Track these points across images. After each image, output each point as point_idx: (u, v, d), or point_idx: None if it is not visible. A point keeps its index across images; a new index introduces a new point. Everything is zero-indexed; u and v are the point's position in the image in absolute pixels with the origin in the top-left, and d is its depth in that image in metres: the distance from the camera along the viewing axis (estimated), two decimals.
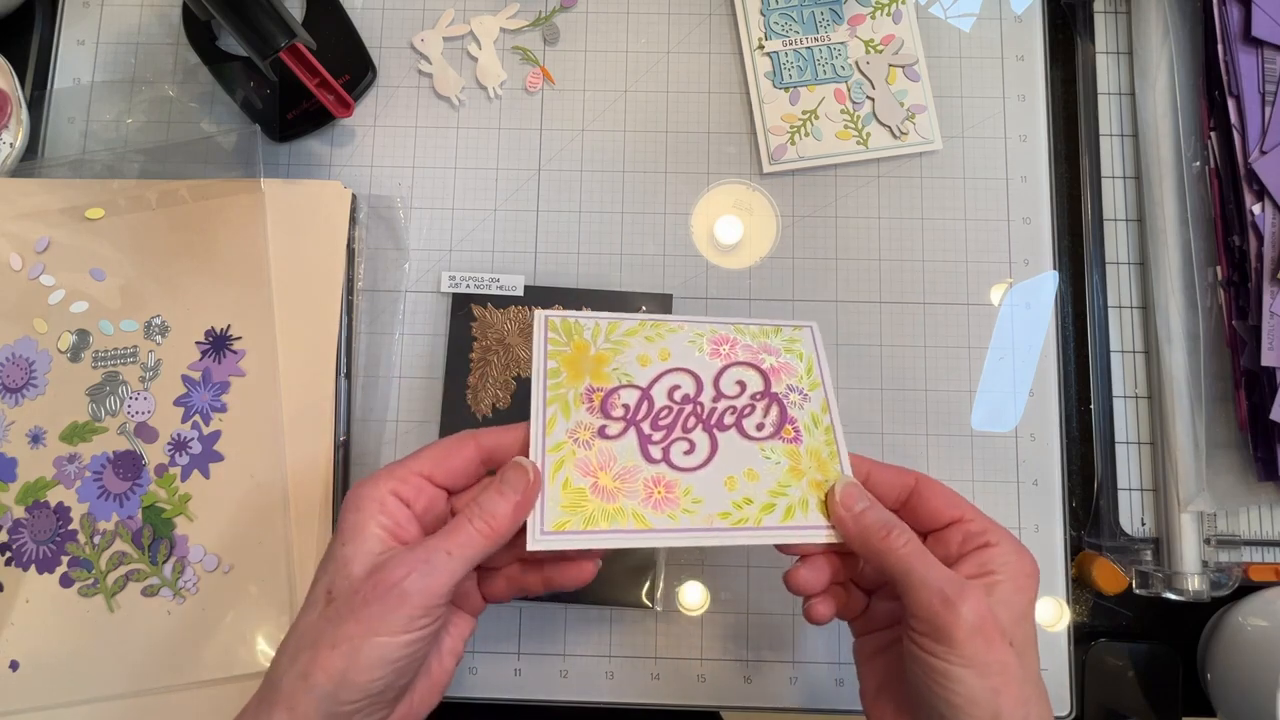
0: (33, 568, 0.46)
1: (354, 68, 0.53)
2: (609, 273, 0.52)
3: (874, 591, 0.40)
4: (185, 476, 0.47)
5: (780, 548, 0.38)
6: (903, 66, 0.54)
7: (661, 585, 0.49)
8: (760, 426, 0.40)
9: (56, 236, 0.50)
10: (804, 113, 0.53)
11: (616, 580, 0.48)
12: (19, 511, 0.47)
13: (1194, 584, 0.47)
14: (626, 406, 0.39)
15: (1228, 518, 0.50)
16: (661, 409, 0.39)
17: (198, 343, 0.49)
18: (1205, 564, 0.48)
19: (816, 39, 0.54)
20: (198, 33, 0.53)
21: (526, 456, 0.37)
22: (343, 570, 0.34)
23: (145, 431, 0.48)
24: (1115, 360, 0.52)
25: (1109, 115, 0.54)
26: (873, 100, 0.53)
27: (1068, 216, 0.53)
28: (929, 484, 0.38)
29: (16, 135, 0.50)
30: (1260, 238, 0.48)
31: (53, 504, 0.47)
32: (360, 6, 0.55)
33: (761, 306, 0.52)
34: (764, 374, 0.41)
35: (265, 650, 0.46)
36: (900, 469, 0.39)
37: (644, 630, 0.49)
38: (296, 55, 0.47)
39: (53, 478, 0.47)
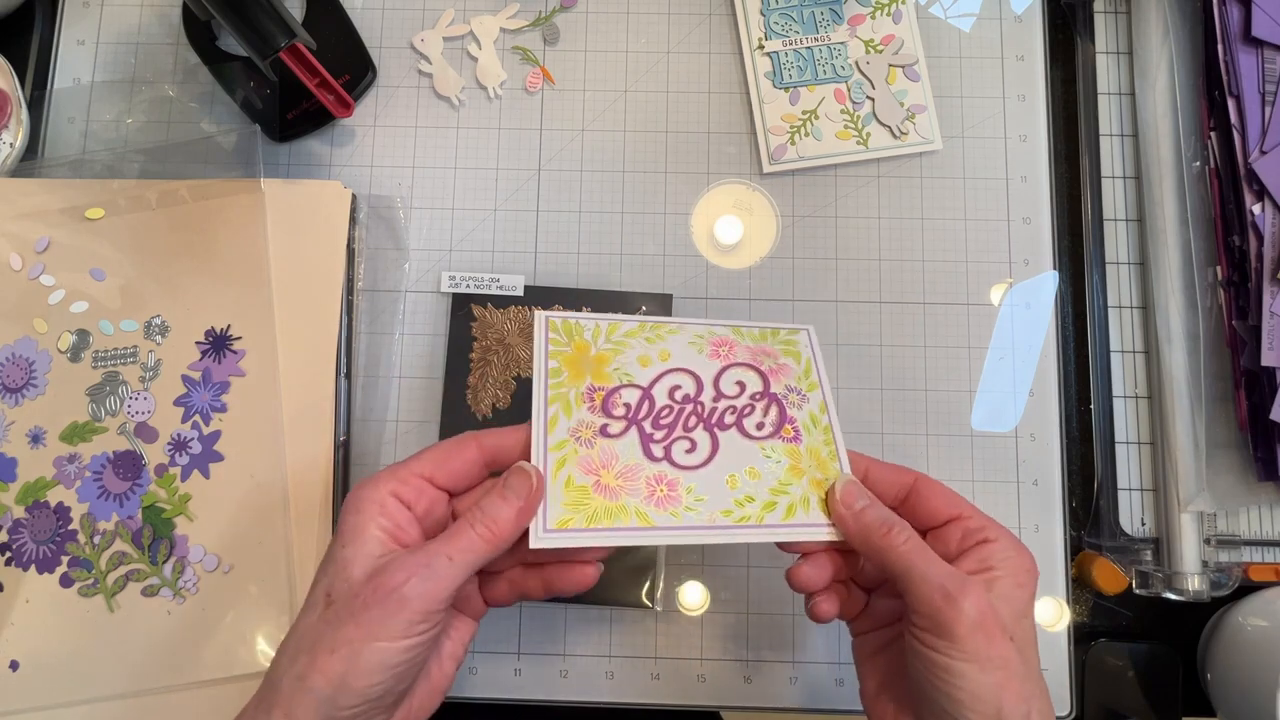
0: (33, 568, 0.46)
1: (354, 68, 0.53)
2: (609, 273, 0.52)
3: (873, 590, 0.40)
4: (185, 476, 0.47)
5: (782, 546, 0.38)
6: (903, 66, 0.54)
7: (661, 585, 0.49)
8: (760, 426, 0.40)
9: (56, 236, 0.50)
10: (804, 113, 0.53)
11: (616, 580, 0.48)
12: (19, 511, 0.47)
13: (1194, 584, 0.47)
14: (628, 406, 0.39)
15: (1228, 518, 0.50)
16: (663, 408, 0.40)
17: (198, 343, 0.49)
18: (1205, 564, 0.48)
19: (816, 39, 0.54)
20: (198, 33, 0.53)
21: (529, 459, 0.37)
22: (342, 573, 0.33)
23: (145, 431, 0.48)
24: (1115, 360, 0.52)
25: (1109, 115, 0.54)
26: (873, 100, 0.53)
27: (1068, 216, 0.53)
28: (927, 482, 0.38)
29: (16, 135, 0.50)
30: (1260, 238, 0.48)
31: (53, 504, 0.47)
32: (360, 6, 0.55)
33: (761, 306, 0.52)
34: (763, 375, 0.42)
35: (265, 650, 0.46)
36: (899, 467, 0.39)
37: (644, 630, 0.49)
38: (296, 55, 0.47)
39: (53, 478, 0.47)
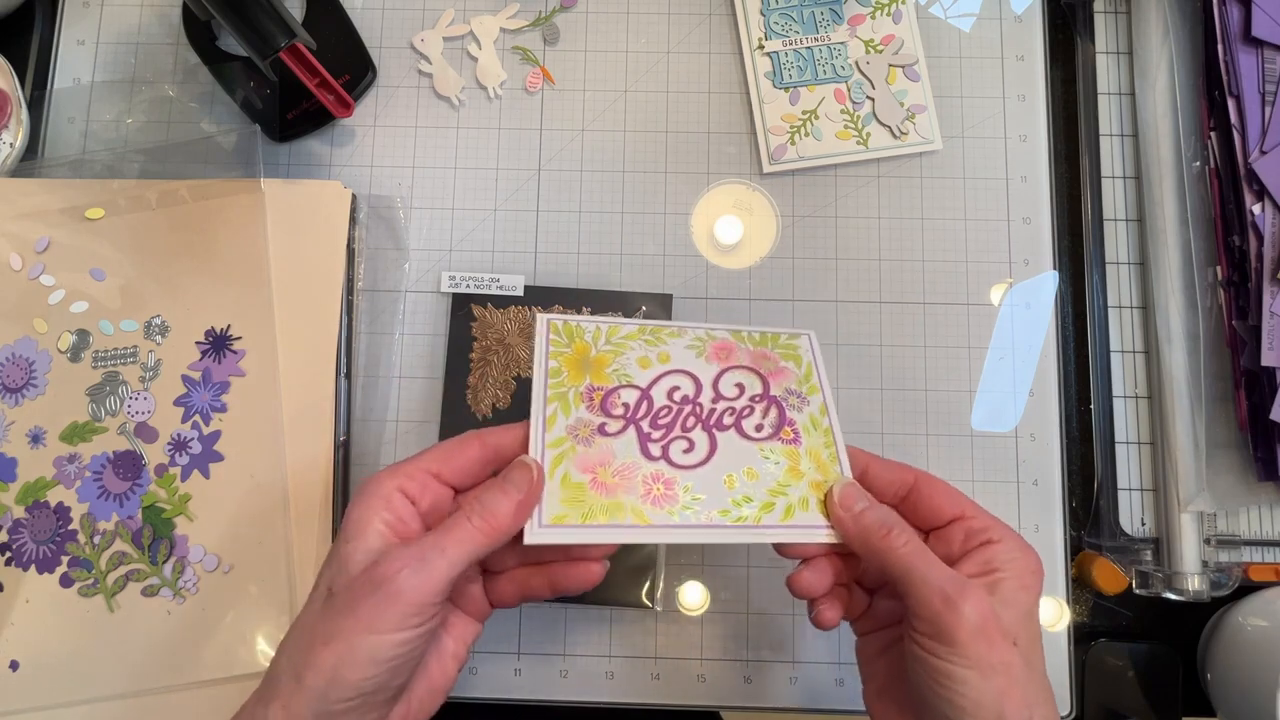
0: (33, 568, 0.46)
1: (354, 68, 0.53)
2: (609, 273, 0.52)
3: (876, 590, 0.40)
4: (185, 476, 0.47)
5: (781, 550, 0.38)
6: (903, 66, 0.54)
7: (661, 585, 0.49)
8: (759, 427, 0.40)
9: (56, 236, 0.50)
10: (804, 113, 0.53)
11: (616, 580, 0.48)
12: (19, 511, 0.47)
13: (1194, 584, 0.47)
14: (626, 405, 0.39)
15: (1228, 518, 0.50)
16: (661, 408, 0.40)
17: (198, 343, 0.49)
18: (1205, 564, 0.48)
19: (816, 39, 0.54)
20: (198, 33, 0.53)
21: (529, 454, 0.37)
22: (343, 566, 0.33)
23: (145, 431, 0.48)
24: (1115, 360, 0.52)
25: (1109, 115, 0.54)
26: (873, 100, 0.53)
27: (1068, 216, 0.53)
28: (929, 481, 0.38)
29: (16, 135, 0.50)
30: (1260, 238, 0.48)
31: (53, 504, 0.47)
32: (360, 6, 0.55)
33: (761, 306, 0.52)
34: (763, 377, 0.42)
35: (265, 650, 0.46)
36: (900, 465, 0.39)
37: (644, 630, 0.49)
38: (296, 55, 0.47)
39: (53, 478, 0.47)
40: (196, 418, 0.48)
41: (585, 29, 0.55)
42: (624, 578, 0.48)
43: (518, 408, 0.50)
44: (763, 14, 0.54)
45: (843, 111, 0.53)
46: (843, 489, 0.37)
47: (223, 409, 0.48)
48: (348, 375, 0.50)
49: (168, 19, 0.55)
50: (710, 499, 0.37)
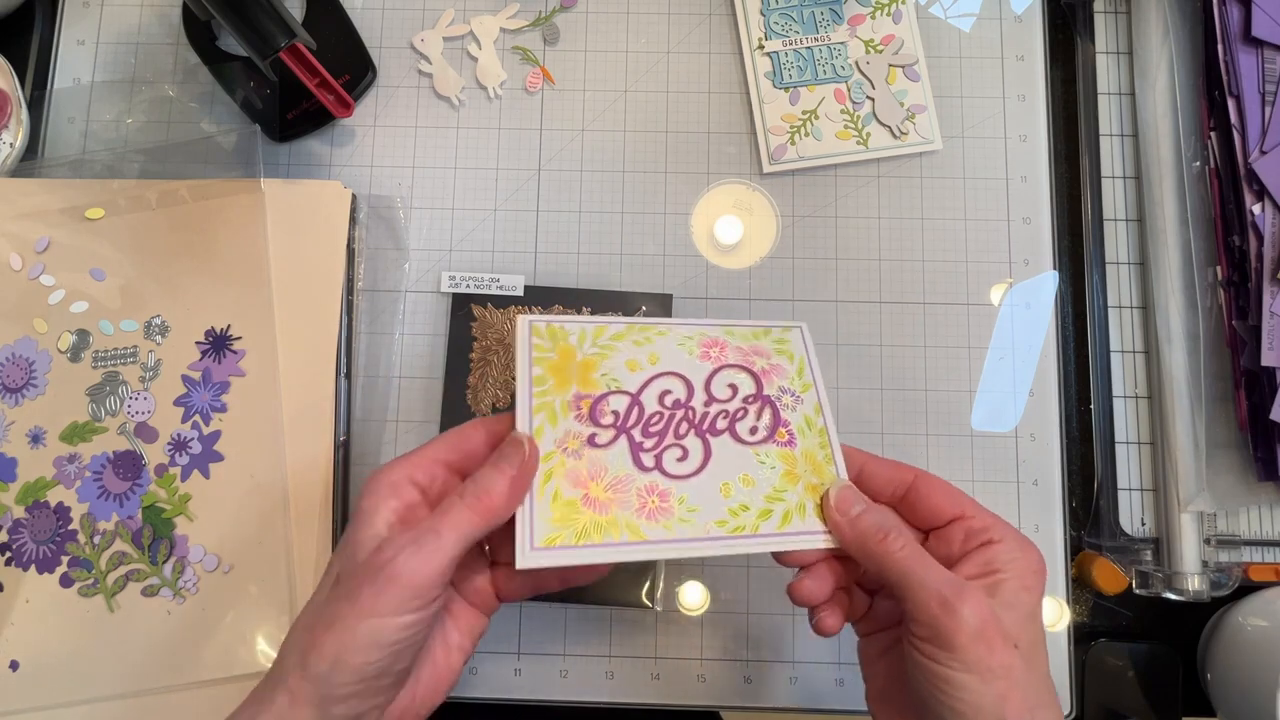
0: (33, 568, 0.46)
1: (354, 68, 0.53)
2: (609, 273, 0.52)
3: (877, 591, 0.39)
4: (185, 476, 0.47)
5: (779, 558, 0.37)
6: (903, 66, 0.54)
7: (661, 585, 0.49)
8: (754, 430, 0.39)
9: (56, 236, 0.50)
10: (804, 113, 0.53)
11: (616, 580, 0.48)
12: (19, 511, 0.47)
13: (1194, 584, 0.47)
14: (616, 414, 0.38)
15: (1228, 518, 0.50)
16: (652, 415, 0.38)
17: (198, 343, 0.49)
18: (1205, 564, 0.48)
19: (816, 39, 0.54)
20: (198, 33, 0.53)
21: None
22: (351, 552, 0.34)
23: (145, 431, 0.48)
24: (1115, 360, 0.52)
25: (1109, 115, 0.54)
26: (873, 100, 0.53)
27: (1068, 216, 0.53)
28: (928, 480, 0.37)
29: (16, 135, 0.50)
30: (1260, 238, 0.48)
31: (53, 504, 0.47)
32: (360, 6, 0.55)
33: (761, 306, 0.52)
34: (755, 376, 0.40)
35: (265, 650, 0.46)
36: (898, 464, 0.38)
37: (644, 630, 0.49)
38: (296, 55, 0.47)
39: (53, 478, 0.47)
40: (196, 418, 0.48)
41: (585, 29, 0.55)
42: (624, 578, 0.48)
43: None
44: (763, 14, 0.54)
45: (843, 111, 0.53)
46: (838, 492, 0.37)
47: (223, 409, 0.48)
48: (348, 375, 0.50)
49: (168, 19, 0.55)
50: (706, 509, 0.36)
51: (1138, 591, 0.49)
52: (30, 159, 0.52)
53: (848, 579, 0.38)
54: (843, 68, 0.54)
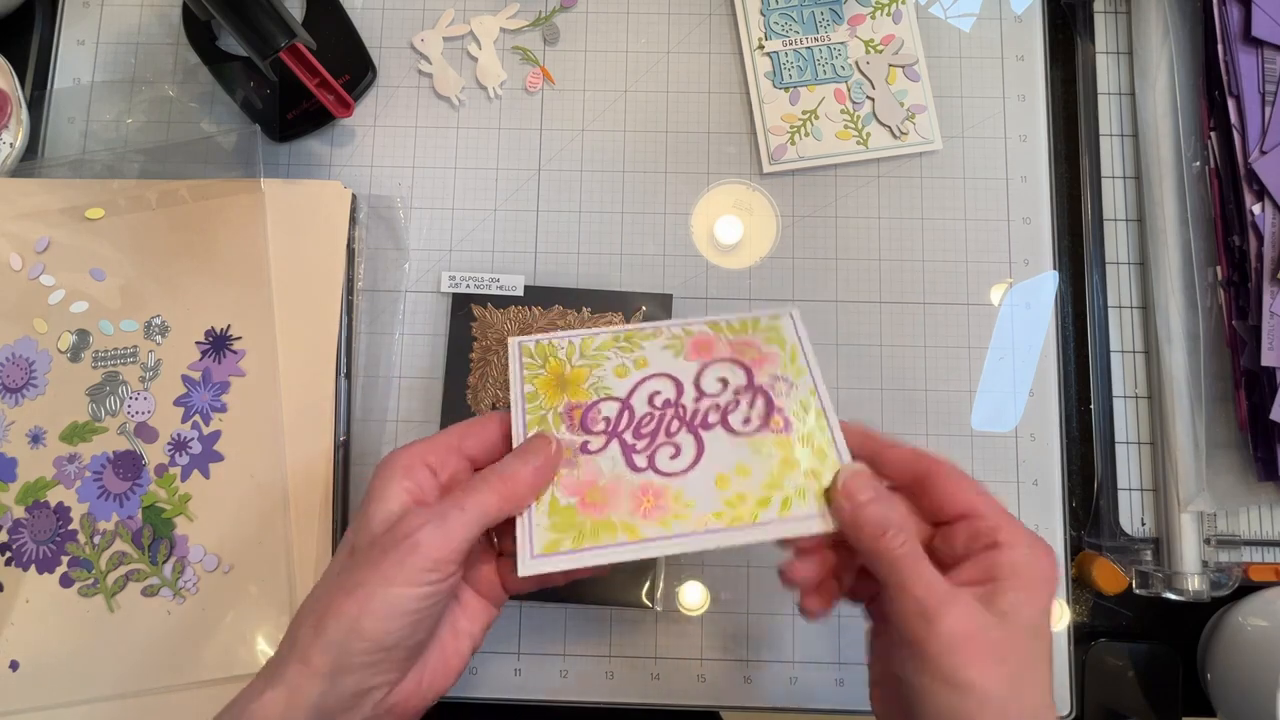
0: (33, 568, 0.46)
1: (354, 68, 0.53)
2: (609, 273, 0.52)
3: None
4: (185, 476, 0.47)
5: (778, 541, 0.37)
6: (903, 66, 0.54)
7: (661, 585, 0.49)
8: (747, 420, 0.39)
9: (56, 236, 0.50)
10: (804, 113, 0.53)
11: (616, 580, 0.48)
12: (19, 511, 0.47)
13: (1194, 584, 0.47)
14: (607, 420, 0.39)
15: (1228, 518, 0.50)
16: (643, 417, 0.39)
17: (198, 343, 0.49)
18: (1205, 564, 0.48)
19: (816, 39, 0.54)
20: (198, 33, 0.53)
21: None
22: (365, 526, 0.35)
23: (145, 431, 0.48)
24: (1115, 360, 0.52)
25: (1109, 115, 0.54)
26: (873, 100, 0.53)
27: (1068, 216, 0.53)
28: (943, 472, 0.36)
29: (16, 135, 0.50)
30: (1260, 238, 0.48)
31: (53, 504, 0.47)
32: (360, 6, 0.55)
33: (761, 306, 0.52)
34: (746, 368, 0.40)
35: (265, 650, 0.46)
36: (919, 453, 0.37)
37: (644, 630, 0.49)
38: (296, 55, 0.47)
39: (53, 478, 0.47)
40: (196, 418, 0.48)
41: (585, 29, 0.55)
42: (624, 578, 0.48)
43: None
44: (763, 14, 0.54)
45: (843, 111, 0.53)
46: (849, 476, 0.36)
47: (223, 409, 0.48)
48: (348, 375, 0.50)
49: (168, 19, 0.55)
50: (702, 503, 0.36)
51: (1138, 591, 0.49)
52: (30, 159, 0.52)
53: (840, 567, 0.37)
54: (843, 68, 0.54)
